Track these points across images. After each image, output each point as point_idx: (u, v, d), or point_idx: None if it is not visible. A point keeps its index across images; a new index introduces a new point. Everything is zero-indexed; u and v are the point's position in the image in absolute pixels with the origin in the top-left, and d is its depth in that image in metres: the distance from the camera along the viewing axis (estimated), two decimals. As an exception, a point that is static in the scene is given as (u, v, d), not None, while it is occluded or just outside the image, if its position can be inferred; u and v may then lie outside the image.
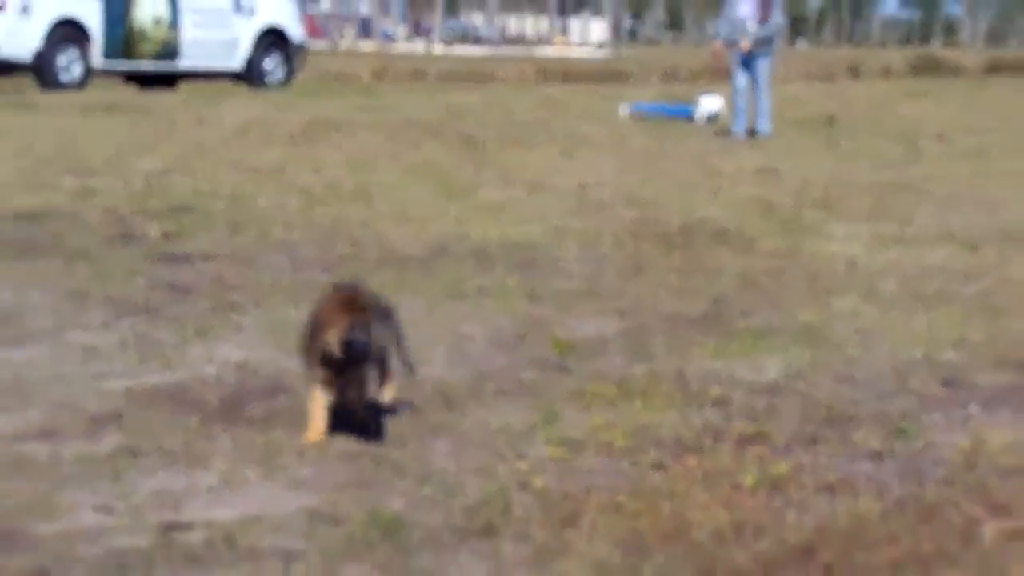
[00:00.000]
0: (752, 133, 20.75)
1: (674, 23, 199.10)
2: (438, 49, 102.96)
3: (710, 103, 24.64)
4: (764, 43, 21.09)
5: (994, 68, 60.82)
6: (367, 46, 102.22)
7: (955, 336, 7.92)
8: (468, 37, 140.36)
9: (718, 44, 22.26)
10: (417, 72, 42.83)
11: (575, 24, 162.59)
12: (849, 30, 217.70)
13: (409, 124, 20.65)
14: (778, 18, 21.48)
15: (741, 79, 21.08)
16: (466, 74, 42.85)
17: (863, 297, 8.94)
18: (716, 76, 23.57)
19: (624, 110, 25.03)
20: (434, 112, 23.51)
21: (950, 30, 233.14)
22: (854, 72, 48.41)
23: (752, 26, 20.93)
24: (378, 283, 8.97)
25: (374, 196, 12.77)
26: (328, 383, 5.82)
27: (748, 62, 20.97)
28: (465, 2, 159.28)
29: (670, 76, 44.66)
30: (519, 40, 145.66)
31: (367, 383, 5.89)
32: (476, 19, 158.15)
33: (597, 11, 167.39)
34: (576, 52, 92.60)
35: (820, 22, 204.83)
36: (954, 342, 7.80)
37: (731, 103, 21.71)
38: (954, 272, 9.88)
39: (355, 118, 21.45)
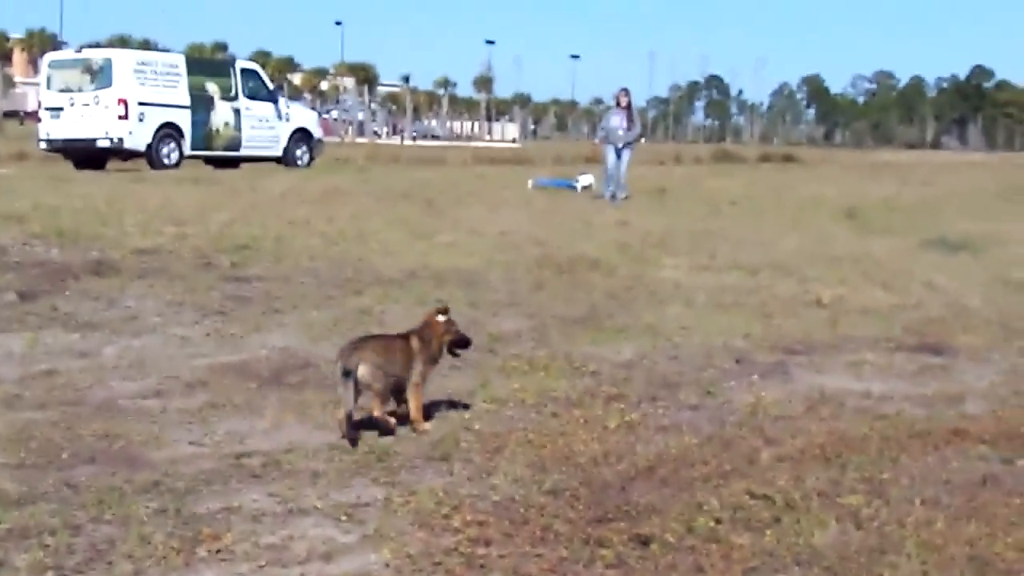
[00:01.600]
0: (613, 197, 20.99)
1: (561, 126, 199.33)
2: (408, 142, 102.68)
3: (585, 178, 24.73)
4: (628, 142, 21.54)
5: (765, 158, 61.25)
6: (362, 140, 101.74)
7: (743, 330, 7.99)
8: (428, 134, 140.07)
9: (599, 141, 22.50)
10: (394, 157, 42.62)
11: (497, 126, 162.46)
12: (673, 132, 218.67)
13: (389, 191, 20.56)
14: (637, 127, 22.00)
15: (612, 163, 21.35)
16: (427, 159, 42.66)
17: (684, 305, 8.98)
18: (593, 160, 23.44)
19: (530, 183, 25.05)
20: (406, 184, 23.41)
21: (736, 132, 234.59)
22: (677, 159, 48.59)
23: (621, 132, 21.38)
24: (371, 296, 9.01)
25: (368, 238, 12.72)
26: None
27: (619, 153, 21.32)
28: (426, 111, 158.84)
29: (558, 161, 44.65)
30: (461, 136, 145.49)
31: None
32: (433, 122, 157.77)
33: (511, 118, 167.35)
34: (498, 145, 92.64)
35: (655, 127, 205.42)
36: (742, 334, 7.87)
37: (602, 178, 21.90)
38: (741, 289, 9.93)
39: (354, 187, 21.35)
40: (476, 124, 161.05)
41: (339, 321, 7.95)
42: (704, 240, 13.74)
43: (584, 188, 24.00)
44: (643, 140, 22.54)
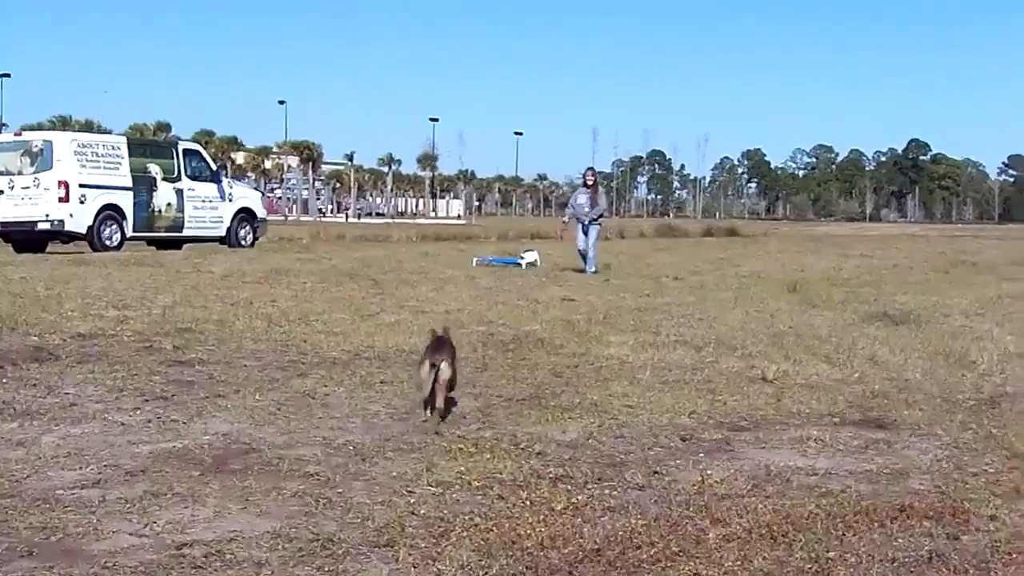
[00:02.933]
0: (596, 271, 21.83)
1: (505, 202, 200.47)
2: (353, 219, 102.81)
3: (530, 256, 24.87)
4: (595, 219, 22.42)
5: (708, 233, 61.94)
6: (306, 219, 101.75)
7: (689, 408, 7.99)
8: (372, 212, 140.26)
9: (565, 220, 23.96)
10: (339, 235, 42.69)
11: (442, 203, 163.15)
12: (617, 207, 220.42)
13: (334, 270, 20.54)
14: (602, 205, 22.84)
15: (581, 241, 22.40)
16: (371, 237, 42.79)
17: (630, 383, 8.98)
18: (538, 237, 23.66)
19: (474, 260, 25.12)
20: (350, 262, 23.41)
21: (679, 206, 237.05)
22: (621, 234, 48.97)
23: (587, 210, 22.33)
24: (315, 378, 8.95)
25: (311, 319, 12.67)
26: None
27: (585, 230, 22.26)
28: (371, 188, 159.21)
29: (503, 237, 44.90)
30: (406, 213, 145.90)
31: None
32: (378, 199, 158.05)
33: (456, 195, 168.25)
34: (443, 221, 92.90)
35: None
36: (688, 412, 7.87)
37: (577, 254, 22.64)
38: (686, 365, 9.96)
39: (298, 267, 21.30)
40: (421, 201, 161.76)
41: (283, 404, 7.89)
42: (649, 316, 13.80)
43: (528, 265, 24.08)
44: (605, 216, 23.33)
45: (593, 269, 21.96)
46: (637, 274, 22.10)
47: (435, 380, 7.29)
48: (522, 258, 24.75)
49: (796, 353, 10.76)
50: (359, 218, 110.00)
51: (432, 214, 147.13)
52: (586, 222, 22.28)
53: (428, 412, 7.34)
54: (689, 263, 26.94)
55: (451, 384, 7.53)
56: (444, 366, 7.32)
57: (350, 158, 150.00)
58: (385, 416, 7.62)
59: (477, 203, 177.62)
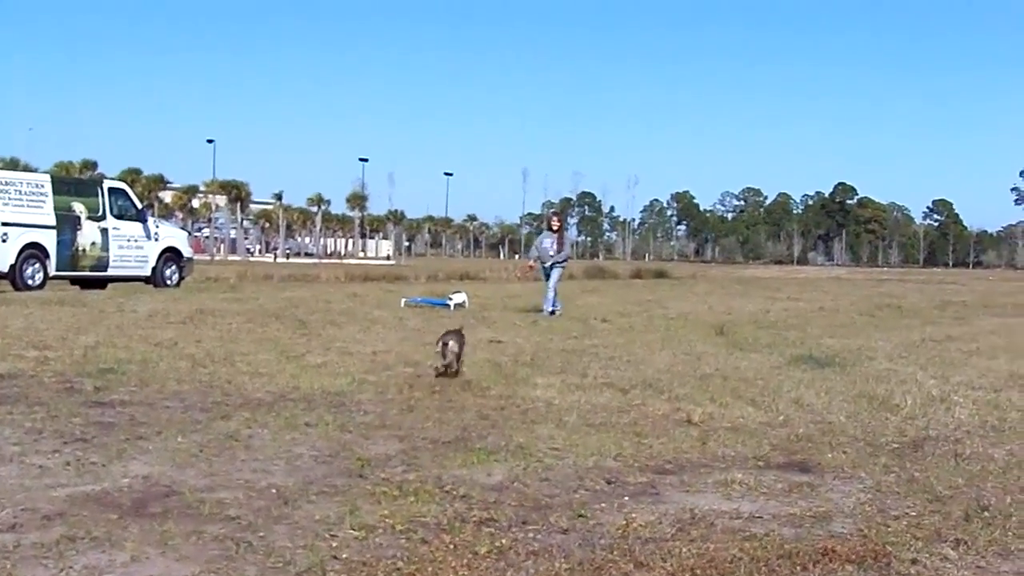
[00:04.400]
0: (552, 312, 22.17)
1: (435, 243, 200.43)
2: (281, 260, 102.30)
3: (458, 296, 24.88)
4: (558, 262, 23.06)
5: (637, 275, 62.36)
6: (234, 258, 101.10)
7: (614, 451, 8.01)
8: (301, 252, 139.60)
9: (532, 262, 24.12)
10: (267, 276, 42.44)
11: (371, 243, 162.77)
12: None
13: (261, 311, 20.39)
14: (566, 249, 23.46)
15: (546, 281, 23.02)
16: (299, 277, 42.57)
17: (556, 425, 8.99)
18: (467, 278, 23.59)
19: (403, 301, 25.06)
20: (278, 303, 23.27)
21: (609, 249, 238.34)
22: (550, 276, 49.14)
23: (552, 253, 22.92)
24: (239, 420, 8.87)
25: (237, 360, 12.57)
26: None
27: (548, 272, 22.91)
28: (299, 228, 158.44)
29: (432, 278, 44.87)
30: (335, 254, 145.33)
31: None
32: (307, 239, 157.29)
33: (386, 235, 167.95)
34: (372, 262, 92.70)
35: (528, 244, 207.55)
36: (613, 454, 7.88)
37: (543, 294, 23.03)
38: (613, 408, 9.98)
39: (225, 307, 21.12)
40: (350, 241, 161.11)
41: (205, 447, 7.80)
42: (576, 358, 13.84)
43: (456, 306, 24.08)
44: (568, 261, 23.87)
45: (557, 308, 22.53)
46: (565, 316, 22.17)
47: (451, 354, 11.50)
48: (450, 299, 24.74)
49: (722, 396, 10.83)
50: (288, 258, 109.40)
51: (362, 254, 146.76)
52: (547, 265, 22.89)
53: (444, 370, 11.58)
54: (617, 305, 27.08)
55: (459, 356, 11.59)
56: (455, 347, 11.52)
57: (279, 197, 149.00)
58: (309, 459, 7.56)
59: (407, 243, 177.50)
